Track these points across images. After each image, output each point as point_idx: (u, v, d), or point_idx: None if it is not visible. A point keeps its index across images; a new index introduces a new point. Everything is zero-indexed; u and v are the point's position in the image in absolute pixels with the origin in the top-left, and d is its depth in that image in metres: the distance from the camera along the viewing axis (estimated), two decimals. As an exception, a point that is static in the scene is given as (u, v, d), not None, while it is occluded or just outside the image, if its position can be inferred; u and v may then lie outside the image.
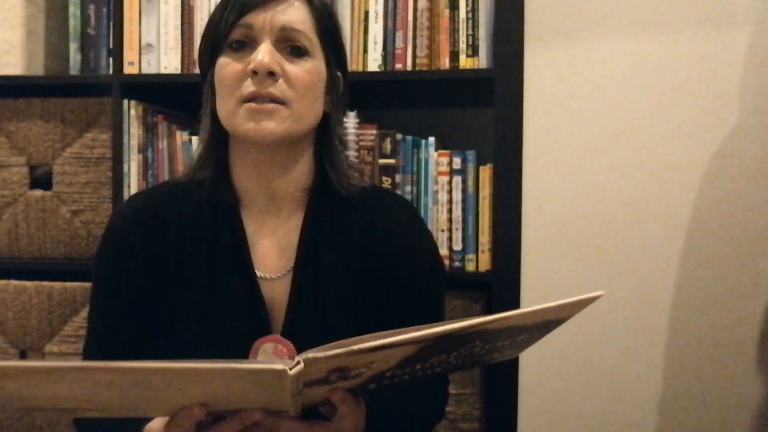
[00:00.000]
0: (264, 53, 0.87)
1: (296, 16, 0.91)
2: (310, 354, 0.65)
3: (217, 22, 0.91)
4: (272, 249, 0.96)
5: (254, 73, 0.87)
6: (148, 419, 0.83)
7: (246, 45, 0.90)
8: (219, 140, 0.95)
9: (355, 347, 0.64)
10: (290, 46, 0.91)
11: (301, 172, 0.97)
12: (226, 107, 0.90)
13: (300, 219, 0.97)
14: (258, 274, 0.94)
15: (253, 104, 0.88)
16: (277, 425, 0.73)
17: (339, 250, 0.96)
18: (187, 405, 0.69)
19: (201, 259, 0.94)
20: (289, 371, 0.63)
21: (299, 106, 0.90)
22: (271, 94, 0.88)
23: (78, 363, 0.64)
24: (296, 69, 0.90)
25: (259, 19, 0.89)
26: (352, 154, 1.52)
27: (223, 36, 0.90)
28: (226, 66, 0.90)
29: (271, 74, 0.88)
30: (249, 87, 0.88)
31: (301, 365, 0.65)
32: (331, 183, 0.97)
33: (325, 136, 0.98)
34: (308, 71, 0.91)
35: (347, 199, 0.97)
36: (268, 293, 0.94)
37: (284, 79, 0.89)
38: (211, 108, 0.94)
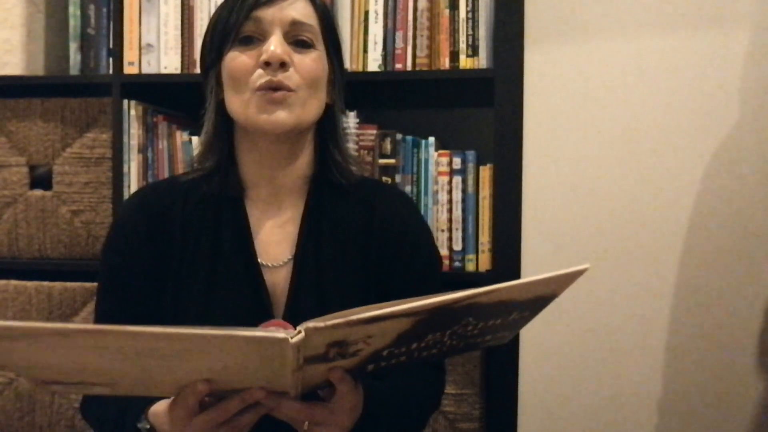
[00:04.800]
0: (276, 45, 0.92)
1: (303, 11, 0.96)
2: (311, 324, 0.66)
3: (225, 18, 0.95)
4: (274, 238, 1.00)
5: (266, 64, 0.92)
6: (152, 404, 0.85)
7: (255, 39, 0.95)
8: (224, 131, 1.00)
9: (354, 317, 0.66)
10: (297, 38, 0.96)
11: (303, 162, 1.01)
12: (239, 98, 0.94)
13: (301, 209, 1.01)
14: (260, 262, 0.98)
15: (268, 93, 0.92)
16: (278, 405, 0.75)
17: (338, 238, 1.00)
18: (190, 382, 0.70)
19: (205, 248, 0.98)
20: (290, 340, 0.65)
21: (305, 93, 0.95)
22: (282, 83, 0.92)
23: (86, 325, 0.65)
24: (303, 58, 0.95)
25: (269, 13, 0.94)
26: (351, 154, 1.52)
27: (232, 31, 0.94)
28: (237, 59, 0.94)
29: (283, 65, 0.93)
30: (262, 77, 0.92)
31: (302, 334, 0.66)
32: (331, 172, 1.02)
33: (328, 127, 1.03)
34: (314, 60, 0.96)
35: (346, 188, 1.02)
36: (271, 280, 0.97)
37: (293, 68, 0.94)
38: (217, 101, 0.99)
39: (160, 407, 0.82)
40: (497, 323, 0.77)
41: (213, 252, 0.98)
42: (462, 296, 0.67)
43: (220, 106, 0.99)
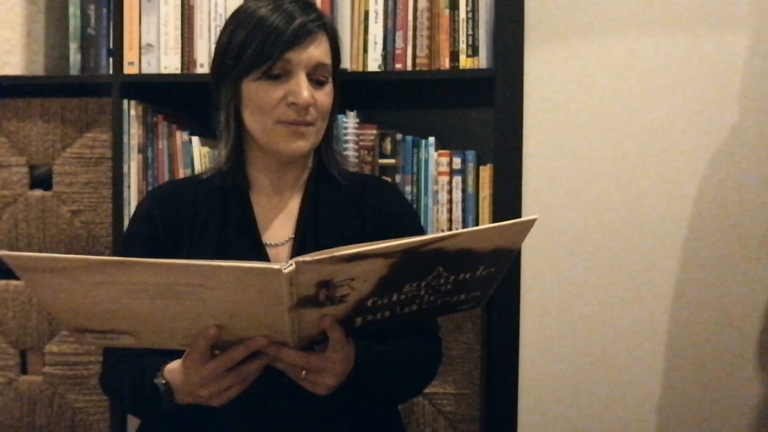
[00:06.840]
0: (305, 90, 1.04)
1: (324, 51, 1.07)
2: (300, 258, 0.75)
3: (255, 49, 1.03)
4: (276, 221, 1.12)
5: (294, 104, 1.04)
6: (167, 362, 0.94)
7: (281, 75, 1.05)
8: (238, 136, 1.12)
9: (336, 254, 0.75)
10: (317, 78, 1.07)
11: (304, 163, 1.15)
12: (261, 124, 1.06)
13: (300, 198, 1.14)
14: (264, 242, 1.09)
15: (291, 126, 1.05)
16: (278, 353, 0.85)
17: (334, 220, 1.12)
18: (203, 328, 0.80)
19: (213, 231, 1.09)
20: (283, 270, 0.74)
21: (320, 123, 1.09)
22: (306, 121, 1.06)
23: (111, 258, 0.74)
24: (321, 95, 1.07)
25: (297, 55, 1.04)
26: (352, 154, 1.52)
27: (261, 65, 1.03)
28: (264, 91, 1.05)
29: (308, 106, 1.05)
30: (288, 114, 1.05)
31: (293, 266, 0.75)
32: (328, 168, 1.15)
33: (325, 133, 1.14)
34: (328, 95, 1.09)
35: (341, 181, 1.15)
36: (273, 257, 1.09)
37: (313, 106, 1.06)
38: (234, 109, 1.09)
39: (174, 364, 0.92)
40: (467, 278, 0.86)
41: (221, 235, 1.09)
42: (428, 239, 0.78)
43: (236, 114, 1.09)
